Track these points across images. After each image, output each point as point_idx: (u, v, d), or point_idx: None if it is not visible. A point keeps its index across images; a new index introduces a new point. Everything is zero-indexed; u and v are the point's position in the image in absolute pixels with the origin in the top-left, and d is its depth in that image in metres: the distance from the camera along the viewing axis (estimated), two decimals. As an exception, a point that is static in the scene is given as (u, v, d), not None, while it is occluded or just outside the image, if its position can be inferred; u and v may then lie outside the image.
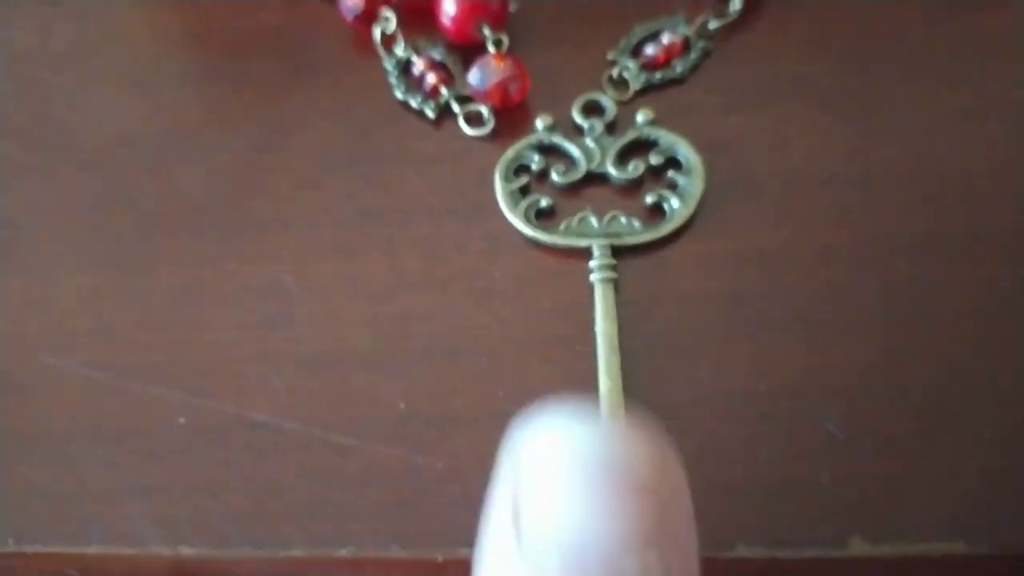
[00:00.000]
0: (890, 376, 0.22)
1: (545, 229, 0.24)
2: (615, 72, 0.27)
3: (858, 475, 0.21)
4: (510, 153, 0.25)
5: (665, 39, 0.27)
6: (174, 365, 0.24)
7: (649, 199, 0.25)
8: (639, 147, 0.25)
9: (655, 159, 0.25)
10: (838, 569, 0.21)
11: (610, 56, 0.27)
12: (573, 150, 0.25)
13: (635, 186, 0.25)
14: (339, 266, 0.25)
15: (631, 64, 0.26)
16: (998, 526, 0.21)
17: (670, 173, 0.25)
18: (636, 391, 0.22)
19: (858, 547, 0.21)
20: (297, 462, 0.22)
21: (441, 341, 0.23)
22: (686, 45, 0.27)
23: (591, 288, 0.23)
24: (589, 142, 0.25)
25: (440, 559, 0.21)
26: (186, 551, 0.22)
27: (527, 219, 0.24)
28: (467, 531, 0.21)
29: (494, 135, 0.26)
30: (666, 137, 0.25)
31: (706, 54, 0.27)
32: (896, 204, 0.24)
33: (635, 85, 0.26)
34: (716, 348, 0.23)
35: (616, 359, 0.22)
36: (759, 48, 0.27)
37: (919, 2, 0.27)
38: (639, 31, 0.27)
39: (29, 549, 0.22)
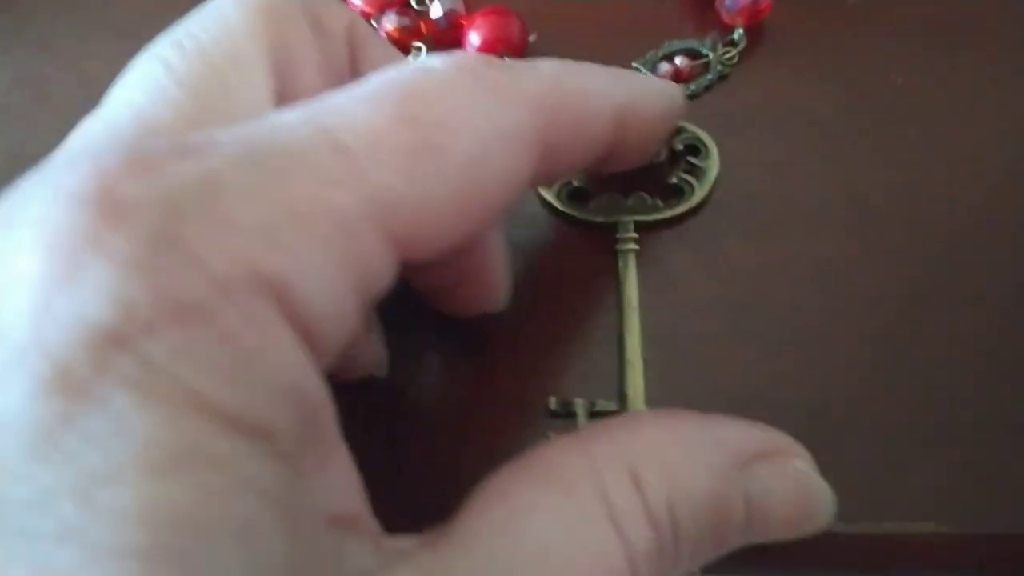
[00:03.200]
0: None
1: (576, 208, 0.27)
2: (642, 76, 0.29)
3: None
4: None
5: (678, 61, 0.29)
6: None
7: (672, 180, 0.27)
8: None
9: (678, 146, 0.27)
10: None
11: (635, 65, 0.30)
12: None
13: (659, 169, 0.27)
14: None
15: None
16: (967, 509, 0.22)
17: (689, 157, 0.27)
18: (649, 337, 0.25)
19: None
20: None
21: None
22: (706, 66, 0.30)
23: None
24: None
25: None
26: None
27: (559, 198, 0.27)
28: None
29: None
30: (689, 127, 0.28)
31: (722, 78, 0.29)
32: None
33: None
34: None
35: (636, 317, 0.25)
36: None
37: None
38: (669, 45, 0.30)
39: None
